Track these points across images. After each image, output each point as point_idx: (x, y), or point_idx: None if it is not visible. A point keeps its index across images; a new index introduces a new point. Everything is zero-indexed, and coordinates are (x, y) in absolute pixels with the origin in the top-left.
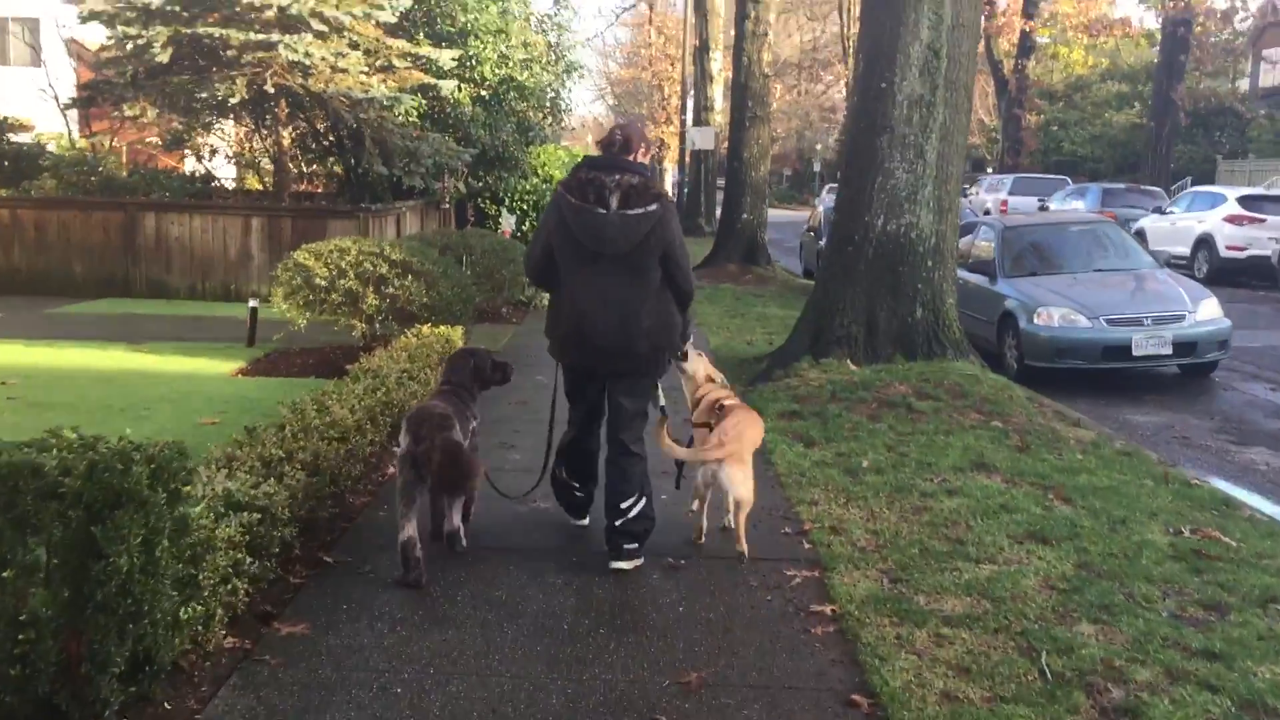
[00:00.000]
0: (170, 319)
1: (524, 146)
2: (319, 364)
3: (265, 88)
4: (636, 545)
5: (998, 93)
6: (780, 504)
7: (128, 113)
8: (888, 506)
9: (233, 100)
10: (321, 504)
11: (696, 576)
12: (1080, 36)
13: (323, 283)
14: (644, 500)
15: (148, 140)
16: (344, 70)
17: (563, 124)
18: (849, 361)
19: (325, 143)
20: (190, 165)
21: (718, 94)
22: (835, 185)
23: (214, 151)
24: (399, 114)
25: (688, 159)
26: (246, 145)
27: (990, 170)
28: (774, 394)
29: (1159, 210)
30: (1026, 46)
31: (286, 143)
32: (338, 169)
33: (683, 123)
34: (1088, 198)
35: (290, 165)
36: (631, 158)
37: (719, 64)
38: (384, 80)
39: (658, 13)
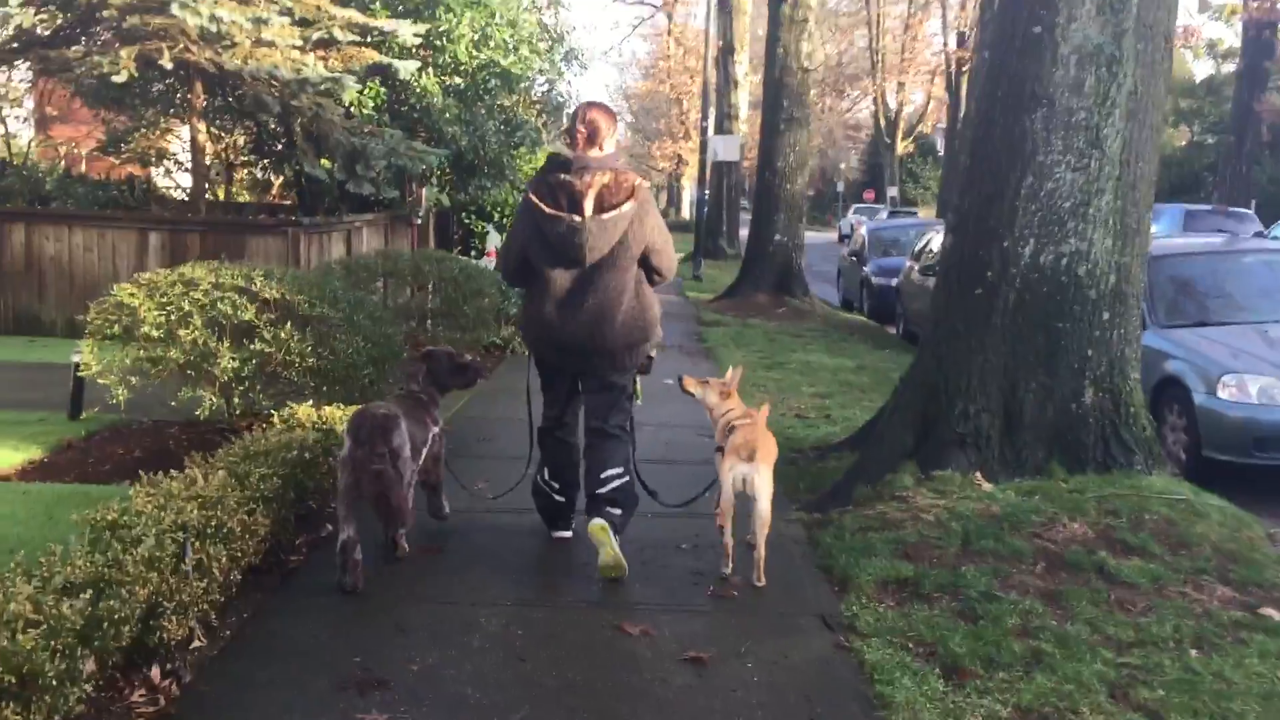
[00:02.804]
0: (8, 368)
1: (511, 150)
2: (151, 455)
3: (161, 62)
4: (621, 514)
5: None
6: None
7: None
8: None
9: (117, 79)
10: None
11: None
12: None
13: (155, 332)
14: (627, 478)
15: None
16: (270, 43)
17: (562, 124)
18: (978, 474)
19: (280, 144)
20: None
21: (742, 101)
22: (862, 205)
23: (161, 156)
24: (347, 102)
25: (708, 173)
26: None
27: None
28: (863, 536)
29: (1261, 236)
30: None
31: (203, 138)
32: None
33: (703, 131)
34: (1163, 220)
35: (216, 169)
36: (599, 146)
37: (744, 68)
38: (323, 58)
39: (677, 24)
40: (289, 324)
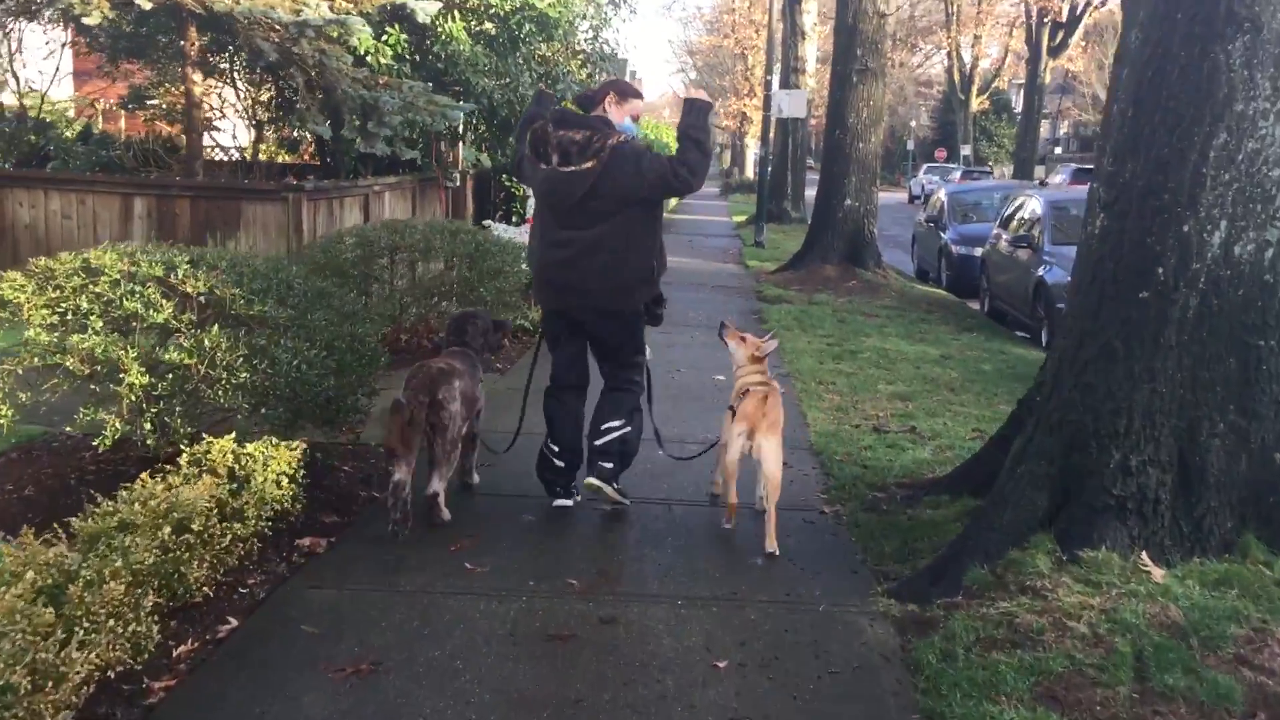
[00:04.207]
0: None
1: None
2: (47, 493)
3: (139, 1)
4: (612, 466)
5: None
6: None
7: None
8: None
9: (88, 20)
10: None
11: None
12: None
13: (43, 336)
14: (629, 428)
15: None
16: None
17: (607, 75)
18: (1144, 555)
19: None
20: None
21: (810, 53)
22: (934, 164)
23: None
24: (361, 49)
25: (773, 132)
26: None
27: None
28: (984, 656)
29: None
30: None
31: (198, 89)
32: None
33: (767, 85)
34: None
35: (249, 128)
36: (599, 110)
37: (812, 18)
38: None
39: None
40: (216, 327)
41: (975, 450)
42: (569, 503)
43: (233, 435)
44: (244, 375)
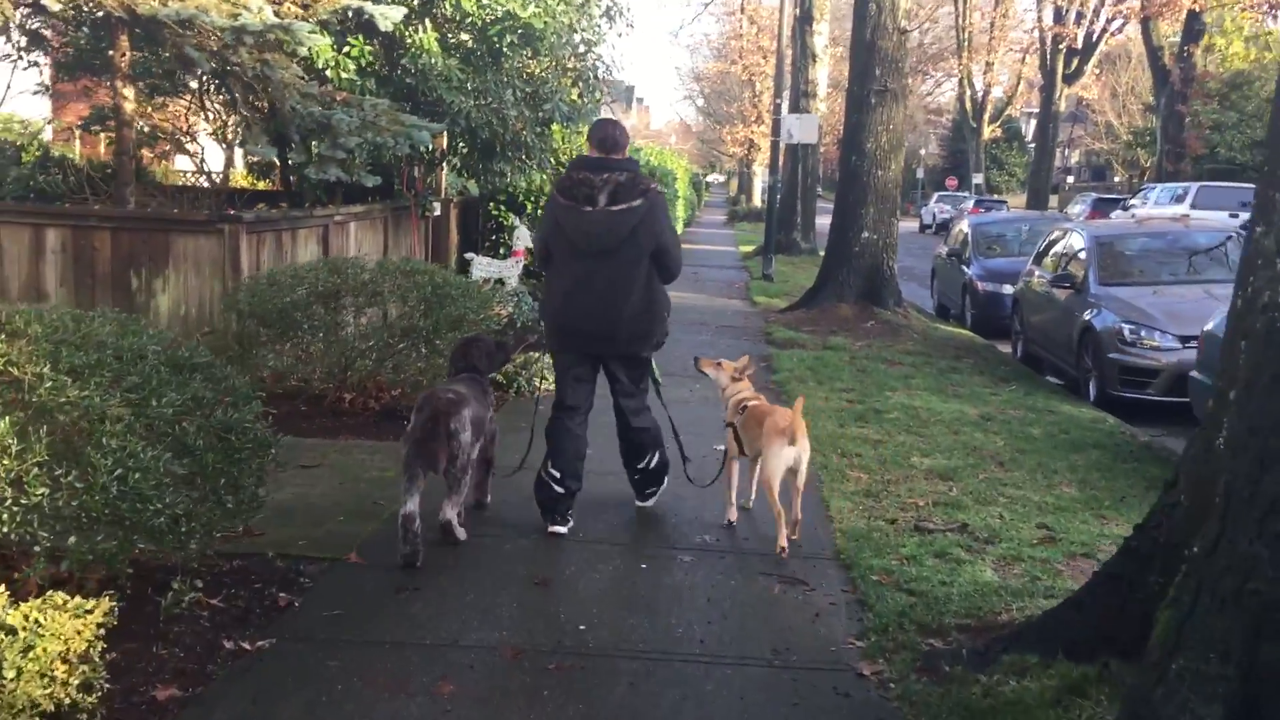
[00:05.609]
0: None
1: (538, 127)
2: None
3: (45, 2)
4: (656, 489)
5: (1156, 87)
6: None
7: None
8: None
9: None
10: None
11: None
12: (1244, 22)
13: None
14: (658, 454)
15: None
16: None
17: (599, 96)
18: None
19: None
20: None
21: (822, 76)
22: (946, 193)
23: (154, 134)
24: (320, 63)
25: (782, 159)
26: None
27: (1140, 178)
28: None
29: None
30: (1194, 30)
31: (129, 105)
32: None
33: (776, 110)
34: None
35: (145, 148)
36: (620, 155)
37: (824, 40)
38: (276, 2)
39: (749, 0)
40: (5, 422)
41: (1046, 558)
42: (563, 530)
43: (4, 591)
44: (40, 492)
